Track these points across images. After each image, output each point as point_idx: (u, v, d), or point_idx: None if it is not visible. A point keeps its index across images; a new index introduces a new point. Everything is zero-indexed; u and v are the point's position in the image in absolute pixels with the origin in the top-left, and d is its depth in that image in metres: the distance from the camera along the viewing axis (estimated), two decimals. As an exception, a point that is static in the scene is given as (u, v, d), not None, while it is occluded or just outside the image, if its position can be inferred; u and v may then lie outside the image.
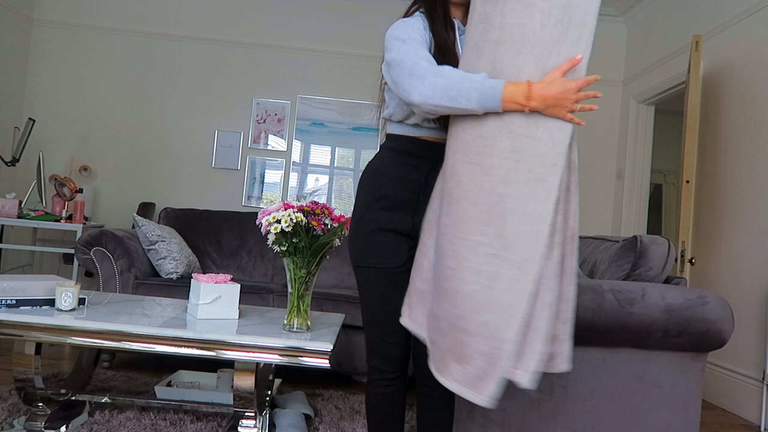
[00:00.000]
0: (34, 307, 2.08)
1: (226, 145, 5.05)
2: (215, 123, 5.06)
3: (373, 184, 1.60)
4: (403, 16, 1.59)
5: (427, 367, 1.59)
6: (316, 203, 1.95)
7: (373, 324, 1.62)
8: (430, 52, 1.47)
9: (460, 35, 1.55)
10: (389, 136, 1.64)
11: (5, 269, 4.67)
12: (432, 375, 1.58)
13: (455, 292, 1.27)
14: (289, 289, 2.02)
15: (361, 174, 1.71)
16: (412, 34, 1.46)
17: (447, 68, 1.34)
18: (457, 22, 1.56)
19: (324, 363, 1.90)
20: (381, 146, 1.68)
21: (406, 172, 1.57)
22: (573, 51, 1.28)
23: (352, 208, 1.69)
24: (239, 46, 5.08)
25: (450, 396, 1.63)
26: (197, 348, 1.93)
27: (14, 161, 4.35)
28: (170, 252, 3.34)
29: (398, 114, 1.58)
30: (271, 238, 1.92)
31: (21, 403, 2.31)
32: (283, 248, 1.93)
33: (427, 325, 1.41)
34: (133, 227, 3.42)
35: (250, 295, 3.05)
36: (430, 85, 1.32)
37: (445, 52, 1.48)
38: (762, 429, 3.04)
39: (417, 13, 1.56)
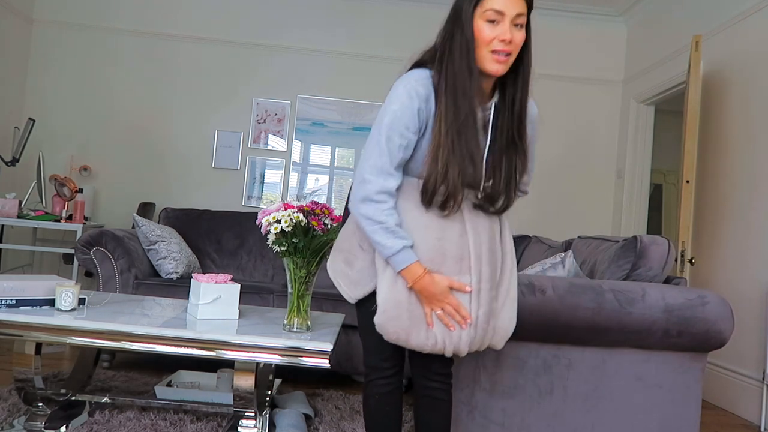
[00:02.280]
0: (34, 307, 2.08)
1: (226, 145, 5.05)
2: (215, 123, 5.06)
3: None
4: (415, 63, 1.51)
5: (425, 367, 1.60)
6: (316, 203, 1.95)
7: (367, 322, 1.61)
8: (421, 132, 1.45)
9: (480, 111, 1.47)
10: None
11: (5, 269, 4.67)
12: (430, 375, 1.60)
13: None
14: (289, 289, 2.02)
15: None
16: (398, 128, 1.42)
17: (380, 225, 1.43)
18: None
19: (324, 363, 1.90)
20: None
21: None
22: (470, 280, 1.48)
23: (344, 210, 1.69)
24: (239, 46, 5.08)
25: (448, 396, 1.64)
26: (197, 348, 1.93)
27: (14, 161, 4.35)
28: (170, 252, 3.34)
29: None
30: (271, 238, 1.92)
31: (21, 403, 2.30)
32: (283, 248, 1.93)
33: None
34: (133, 227, 3.42)
35: (250, 295, 3.05)
36: (362, 221, 1.46)
37: (457, 134, 1.41)
38: (762, 429, 3.04)
39: (428, 75, 1.46)
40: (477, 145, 1.44)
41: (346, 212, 1.67)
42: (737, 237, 3.47)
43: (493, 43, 1.39)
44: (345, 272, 1.61)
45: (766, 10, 3.40)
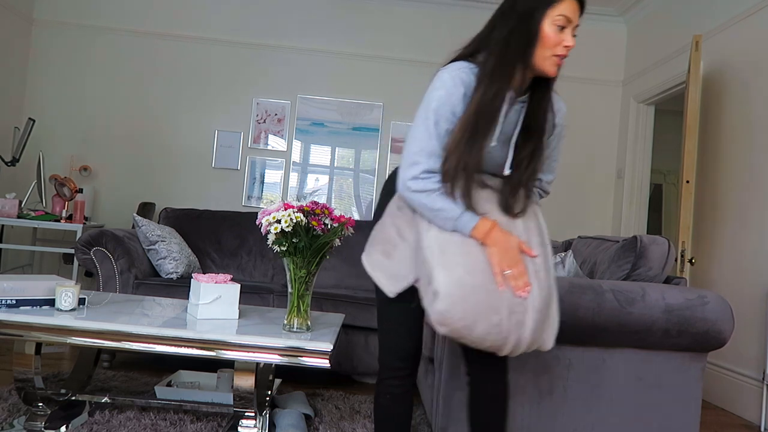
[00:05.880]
0: (34, 307, 2.08)
1: (226, 145, 5.05)
2: (215, 123, 5.06)
3: None
4: (457, 57, 1.52)
5: (491, 364, 1.60)
6: (316, 203, 1.95)
7: (390, 320, 1.62)
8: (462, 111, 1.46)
9: (509, 105, 1.50)
10: None
11: (5, 269, 4.67)
12: (496, 370, 1.60)
13: None
14: (289, 289, 2.02)
15: (388, 178, 1.71)
16: (446, 113, 1.45)
17: (437, 192, 1.43)
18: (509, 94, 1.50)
19: (324, 363, 1.90)
20: None
21: None
22: (537, 249, 1.50)
23: (377, 208, 1.69)
24: (239, 46, 5.08)
25: (507, 393, 1.63)
26: (197, 348, 1.93)
27: (14, 161, 4.35)
28: (170, 252, 3.33)
29: None
30: (271, 238, 1.92)
31: (21, 403, 2.30)
32: (283, 248, 1.93)
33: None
34: (133, 227, 3.42)
35: (250, 295, 3.05)
36: (416, 197, 1.46)
37: (483, 116, 1.44)
38: (762, 429, 3.04)
39: (469, 65, 1.48)
40: (490, 133, 1.47)
41: (379, 207, 1.68)
42: (737, 237, 3.47)
43: (558, 47, 1.45)
44: (383, 265, 1.58)
45: (766, 10, 3.40)
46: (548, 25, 1.45)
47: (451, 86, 1.46)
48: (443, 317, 1.39)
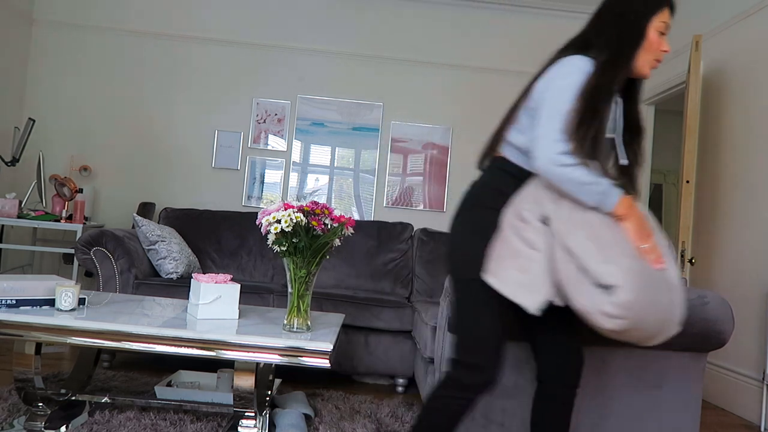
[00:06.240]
0: (34, 307, 2.08)
1: (226, 145, 5.05)
2: (215, 123, 5.06)
3: (498, 202, 1.60)
4: (563, 53, 1.57)
5: (574, 375, 1.65)
6: (316, 203, 1.95)
7: (491, 337, 1.55)
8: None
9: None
10: (508, 162, 1.61)
11: (5, 269, 4.67)
12: (576, 383, 1.65)
13: None
14: (289, 289, 2.02)
15: (471, 189, 1.66)
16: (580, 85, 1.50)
17: (583, 167, 1.45)
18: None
19: (324, 363, 1.90)
20: (496, 167, 1.64)
21: None
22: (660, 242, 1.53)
23: (460, 224, 1.63)
24: (239, 46, 5.08)
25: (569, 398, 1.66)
26: (197, 348, 1.93)
27: (14, 161, 4.35)
28: (170, 252, 3.34)
29: None
30: (271, 238, 1.92)
31: (21, 403, 2.30)
32: (283, 248, 1.93)
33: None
34: (133, 227, 3.42)
35: (250, 295, 3.05)
36: (566, 171, 1.44)
37: (601, 92, 1.49)
38: (762, 429, 3.04)
39: (587, 58, 1.52)
40: (608, 109, 1.51)
41: (464, 222, 1.62)
42: (737, 237, 3.47)
43: (659, 52, 1.57)
44: (520, 281, 1.48)
45: (766, 10, 3.40)
46: (653, 31, 1.55)
47: (584, 71, 1.51)
48: (627, 309, 1.36)
